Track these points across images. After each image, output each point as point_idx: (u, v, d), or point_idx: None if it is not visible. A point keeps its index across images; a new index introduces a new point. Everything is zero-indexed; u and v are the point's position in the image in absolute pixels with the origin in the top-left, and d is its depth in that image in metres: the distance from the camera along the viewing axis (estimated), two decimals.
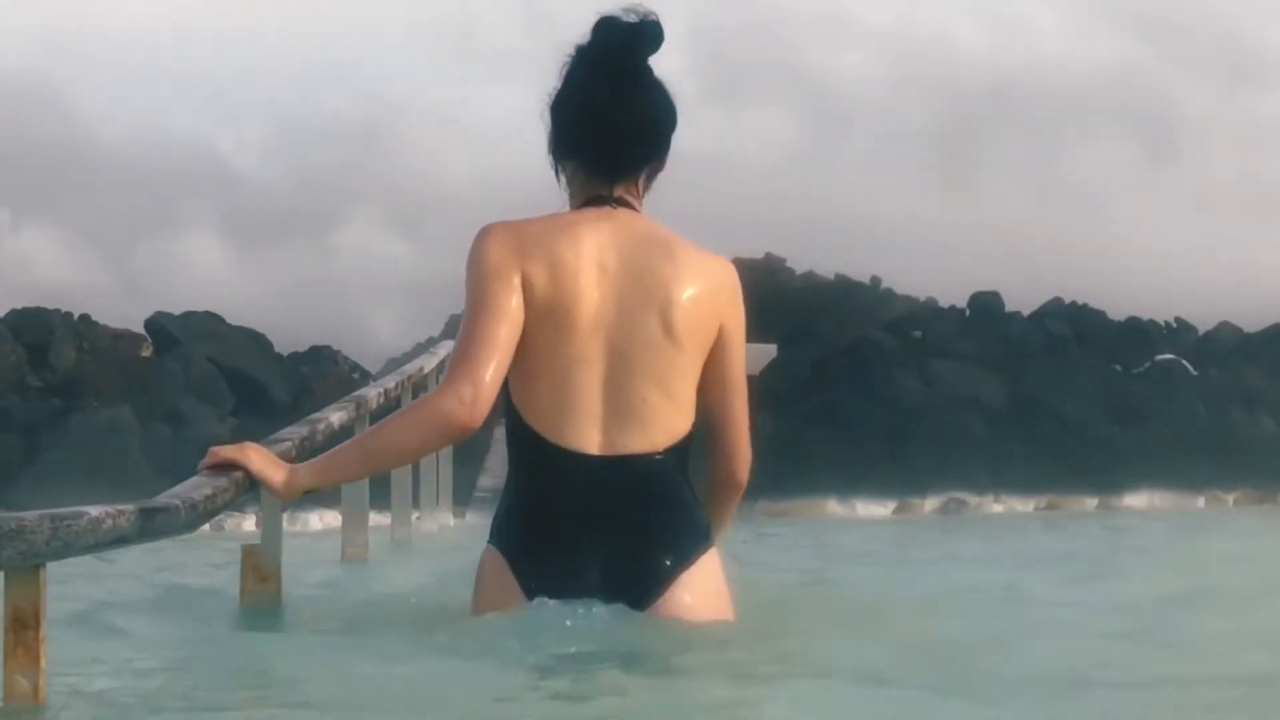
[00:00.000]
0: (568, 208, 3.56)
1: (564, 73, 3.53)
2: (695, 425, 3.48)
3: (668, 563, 3.37)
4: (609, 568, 3.36)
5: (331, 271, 26.08)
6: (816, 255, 22.81)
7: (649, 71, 3.50)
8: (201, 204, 27.37)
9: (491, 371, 3.35)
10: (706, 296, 3.46)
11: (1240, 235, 25.15)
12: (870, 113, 28.03)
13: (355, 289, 25.60)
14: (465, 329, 3.40)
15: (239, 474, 3.47)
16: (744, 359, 3.57)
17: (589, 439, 3.39)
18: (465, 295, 3.43)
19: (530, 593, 3.37)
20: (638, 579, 3.35)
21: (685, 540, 3.41)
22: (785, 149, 27.31)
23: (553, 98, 3.54)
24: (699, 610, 3.38)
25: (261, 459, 3.50)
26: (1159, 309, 21.52)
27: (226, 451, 3.51)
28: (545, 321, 3.39)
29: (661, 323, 3.41)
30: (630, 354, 3.40)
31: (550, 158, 3.56)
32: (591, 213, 3.49)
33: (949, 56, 28.96)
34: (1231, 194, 27.03)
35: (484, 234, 3.44)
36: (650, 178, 3.56)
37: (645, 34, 3.46)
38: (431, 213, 25.03)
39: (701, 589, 3.40)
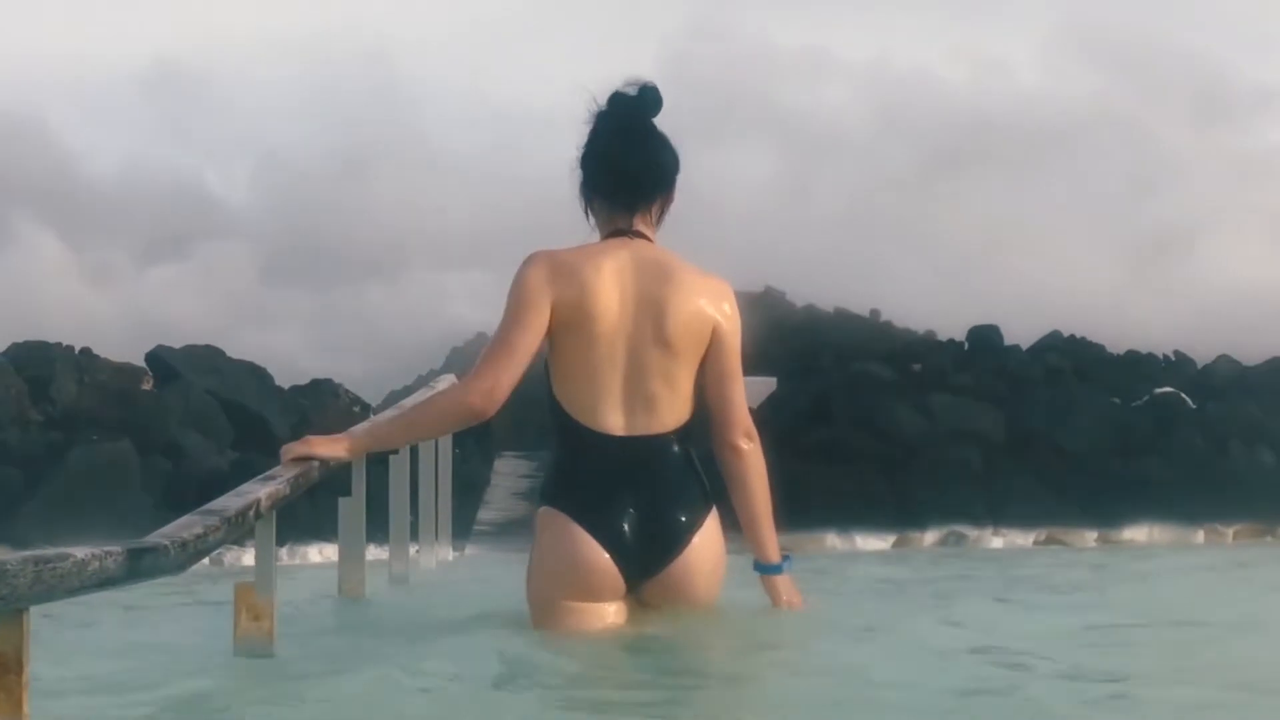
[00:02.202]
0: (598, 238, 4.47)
1: (588, 133, 4.48)
2: (695, 410, 4.35)
3: (683, 519, 4.30)
4: (639, 521, 4.25)
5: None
6: (816, 288, 22.86)
7: (654, 128, 4.47)
8: (190, 240, 27.27)
9: (509, 373, 4.28)
10: (698, 310, 4.35)
11: (1234, 268, 25.12)
12: (857, 147, 28.03)
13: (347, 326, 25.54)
14: (497, 335, 4.32)
15: (247, 501, 4.03)
16: (738, 356, 4.42)
17: (614, 423, 4.30)
18: (505, 306, 4.30)
19: (586, 528, 4.22)
20: (662, 533, 4.27)
21: (693, 501, 4.32)
22: (777, 184, 27.34)
23: (581, 153, 4.48)
24: (707, 554, 4.30)
25: (323, 444, 4.66)
26: (1157, 342, 21.53)
27: (297, 450, 4.58)
28: (577, 331, 4.29)
29: (662, 332, 4.30)
30: (641, 356, 4.30)
31: (581, 199, 4.49)
32: (614, 243, 4.41)
33: (930, 92, 28.98)
34: (1223, 226, 27.02)
35: (527, 261, 4.34)
36: (663, 209, 4.49)
37: (647, 101, 4.46)
38: (410, 257, 24.96)
39: (708, 540, 4.32)
